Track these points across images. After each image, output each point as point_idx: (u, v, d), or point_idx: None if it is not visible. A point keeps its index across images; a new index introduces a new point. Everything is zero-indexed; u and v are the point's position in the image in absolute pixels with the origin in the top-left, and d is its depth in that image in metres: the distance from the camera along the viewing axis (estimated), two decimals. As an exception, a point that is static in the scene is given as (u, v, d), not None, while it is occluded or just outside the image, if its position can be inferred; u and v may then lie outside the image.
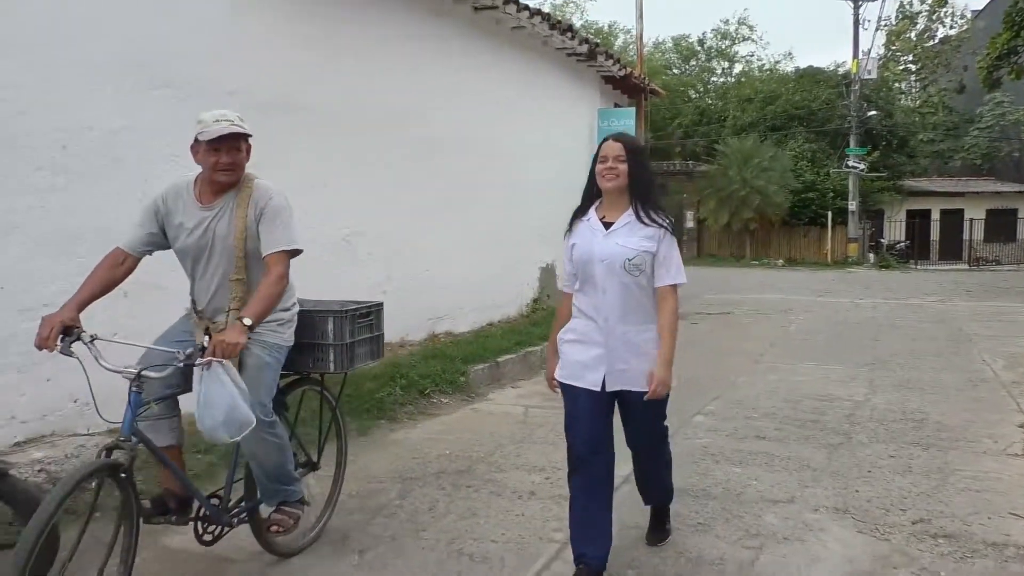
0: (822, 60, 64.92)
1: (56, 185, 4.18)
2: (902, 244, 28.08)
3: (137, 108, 4.62)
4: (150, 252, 3.06)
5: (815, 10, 67.90)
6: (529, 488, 4.28)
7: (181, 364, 2.64)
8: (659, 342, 3.02)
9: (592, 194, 3.12)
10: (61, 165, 4.20)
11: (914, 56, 34.02)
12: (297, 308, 3.20)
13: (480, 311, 8.71)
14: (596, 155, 3.07)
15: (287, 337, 3.11)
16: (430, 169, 7.62)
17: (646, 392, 2.97)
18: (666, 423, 3.34)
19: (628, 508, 3.98)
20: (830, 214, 27.12)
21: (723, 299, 14.65)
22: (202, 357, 2.59)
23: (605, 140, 3.10)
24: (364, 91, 6.65)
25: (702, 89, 40.83)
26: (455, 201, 8.04)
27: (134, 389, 2.62)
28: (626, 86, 12.49)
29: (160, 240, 3.04)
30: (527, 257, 9.71)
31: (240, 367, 2.89)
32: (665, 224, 3.03)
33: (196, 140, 2.93)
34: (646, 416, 3.17)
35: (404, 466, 4.63)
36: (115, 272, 2.96)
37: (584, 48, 10.28)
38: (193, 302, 3.11)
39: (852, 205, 26.61)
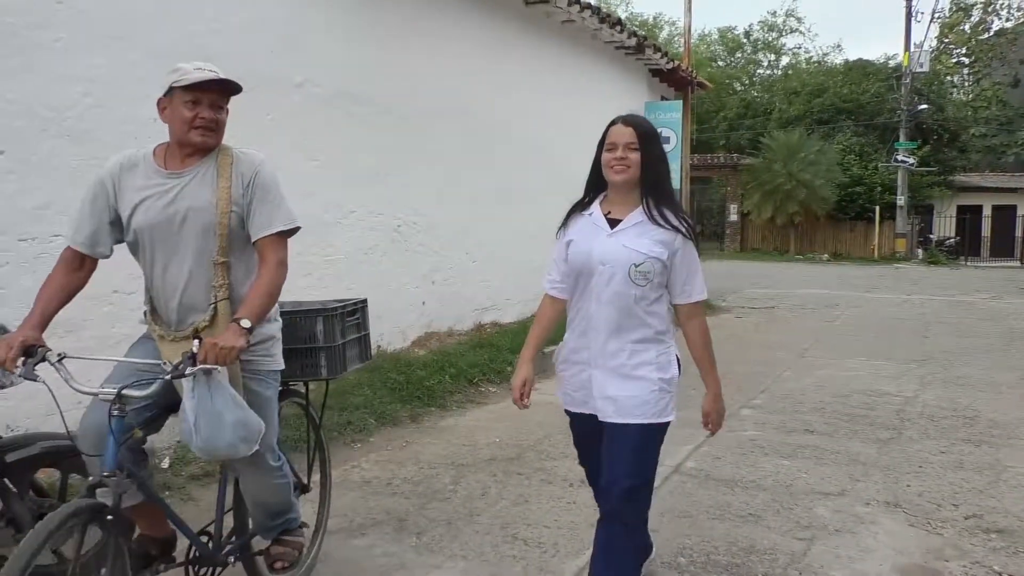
0: (872, 53, 63.53)
1: (129, 175, 4.36)
2: (952, 240, 27.50)
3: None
4: (104, 251, 2.45)
5: (865, 2, 66.43)
6: (579, 476, 4.32)
7: (168, 376, 2.16)
8: (670, 368, 2.58)
9: (597, 185, 2.67)
10: (135, 156, 4.37)
11: (968, 49, 33.14)
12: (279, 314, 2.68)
13: (525, 303, 8.79)
14: (602, 140, 2.59)
15: (279, 358, 2.60)
16: (480, 162, 7.72)
17: (631, 427, 2.49)
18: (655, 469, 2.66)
19: (677, 496, 4.06)
20: (878, 209, 26.63)
21: (767, 293, 14.55)
22: (192, 365, 2.13)
23: (613, 123, 2.58)
24: (419, 84, 6.76)
25: (747, 81, 40.31)
26: (503, 193, 8.13)
27: (115, 413, 2.15)
28: (673, 79, 12.45)
29: (113, 230, 2.45)
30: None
31: None
32: (683, 227, 2.52)
33: (167, 93, 2.35)
34: (632, 456, 2.53)
35: (455, 453, 4.75)
36: (73, 278, 2.42)
37: (632, 41, 10.28)
38: (152, 309, 2.47)
39: (901, 200, 26.10)
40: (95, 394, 2.19)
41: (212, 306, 2.39)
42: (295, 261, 5.56)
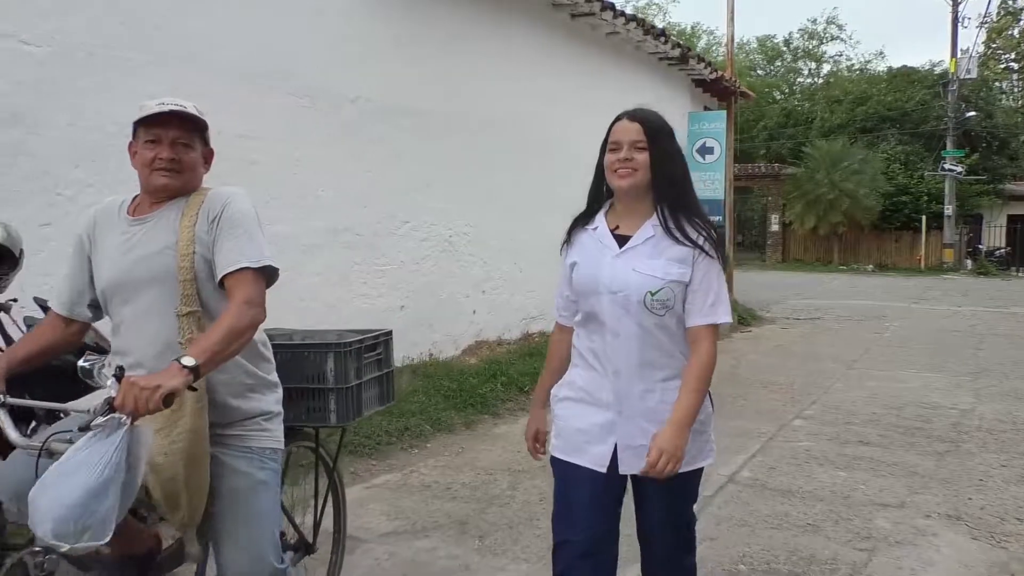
0: (917, 59, 62.68)
1: (197, 188, 4.51)
2: (1002, 250, 26.85)
3: (263, 114, 4.93)
4: (85, 312, 2.15)
5: (910, 8, 65.50)
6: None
7: (82, 425, 1.72)
8: (705, 409, 2.15)
9: (600, 194, 2.24)
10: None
11: (1017, 54, 32.49)
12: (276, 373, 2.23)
13: (571, 312, 8.86)
14: (605, 141, 2.17)
15: (279, 434, 2.16)
16: (526, 172, 7.80)
17: (677, 476, 2.02)
18: (695, 510, 2.33)
19: (733, 505, 4.07)
20: (924, 219, 26.15)
21: (811, 304, 14.38)
22: (107, 412, 1.69)
23: (617, 119, 2.15)
24: (467, 97, 6.87)
25: (788, 90, 39.94)
26: (549, 203, 8.15)
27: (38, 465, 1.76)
28: (716, 89, 12.42)
29: (92, 287, 2.14)
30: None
31: (215, 497, 2.01)
32: (703, 239, 2.07)
33: (135, 135, 2.07)
34: (670, 503, 2.20)
35: (511, 459, 4.80)
36: (59, 335, 2.15)
37: (676, 52, 10.31)
38: (119, 369, 1.90)
39: (948, 209, 25.60)
40: (22, 446, 1.86)
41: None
42: (350, 271, 5.78)
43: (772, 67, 41.57)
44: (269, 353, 2.19)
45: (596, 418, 2.14)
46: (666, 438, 1.96)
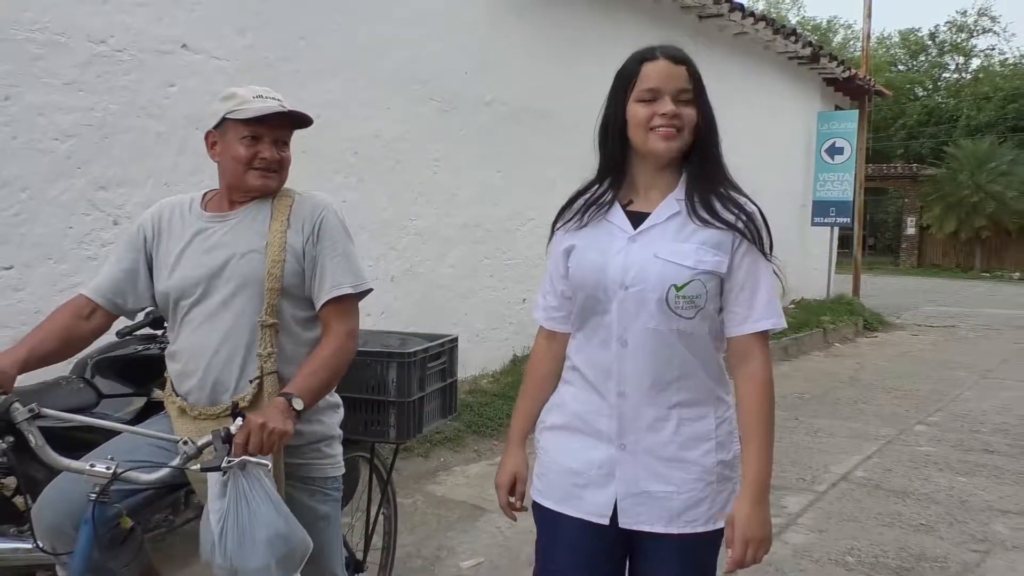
0: (1079, 51, 57.47)
1: (348, 185, 5.00)
2: None
3: (412, 118, 5.37)
4: (124, 305, 2.00)
5: (1073, -5, 60.15)
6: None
7: (186, 465, 1.64)
8: (732, 443, 1.62)
9: (613, 164, 1.70)
10: (353, 168, 5.02)
11: None
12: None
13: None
14: (625, 85, 1.66)
15: (339, 460, 2.03)
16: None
17: (677, 541, 1.58)
18: None
19: (844, 502, 4.16)
20: (1081, 224, 24.24)
21: (947, 312, 13.75)
22: (228, 453, 1.58)
23: (649, 59, 1.63)
24: (594, 100, 7.09)
25: (931, 86, 37.77)
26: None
27: (99, 499, 1.65)
28: (849, 88, 12.10)
29: (143, 283, 1.99)
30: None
31: None
32: (742, 219, 1.57)
33: (219, 124, 1.92)
34: (681, 574, 1.64)
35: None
36: (78, 325, 1.95)
37: (807, 51, 10.17)
38: (171, 380, 1.95)
39: (1109, 214, 23.62)
40: (81, 471, 1.65)
41: (256, 381, 1.85)
42: (479, 264, 6.19)
43: (915, 62, 39.38)
44: None
45: (593, 454, 1.62)
46: (747, 520, 1.50)
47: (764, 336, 1.58)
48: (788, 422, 5.83)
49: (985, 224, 23.98)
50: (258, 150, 1.88)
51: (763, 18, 9.02)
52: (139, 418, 2.74)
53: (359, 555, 2.63)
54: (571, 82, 6.82)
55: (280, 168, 1.93)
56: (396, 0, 5.19)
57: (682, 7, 8.10)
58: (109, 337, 3.00)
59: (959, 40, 37.85)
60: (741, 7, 8.44)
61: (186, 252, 1.92)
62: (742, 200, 1.61)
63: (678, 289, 1.52)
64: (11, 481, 2.36)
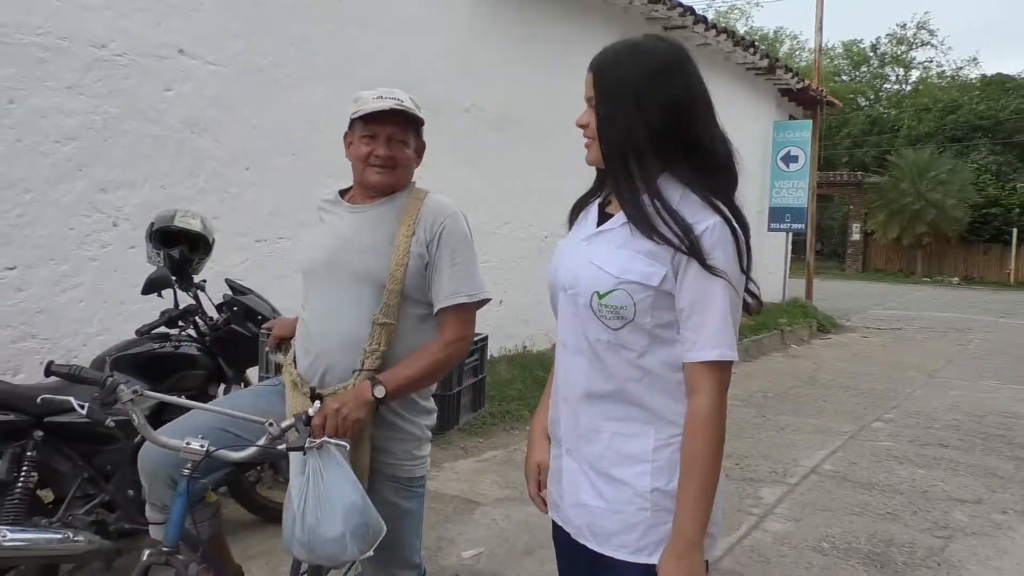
0: (1013, 67, 60.11)
1: (337, 187, 5.07)
2: (1098, 267, 25.83)
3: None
4: None
5: (1005, 14, 63.00)
6: (722, 470, 4.76)
7: (272, 445, 1.76)
8: (674, 473, 1.40)
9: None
10: (342, 172, 5.08)
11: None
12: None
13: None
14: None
15: (426, 461, 2.06)
16: (618, 178, 8.21)
17: (612, 563, 1.46)
18: None
19: (816, 493, 4.40)
20: (1015, 231, 25.35)
21: (893, 315, 14.33)
22: (310, 434, 1.72)
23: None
24: (567, 108, 7.29)
25: (873, 96, 39.11)
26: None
27: (191, 475, 1.80)
28: (802, 98, 12.57)
29: None
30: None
31: None
32: (678, 233, 1.36)
33: (350, 126, 2.05)
34: None
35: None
36: None
37: (764, 63, 10.55)
38: (314, 391, 1.94)
39: (1041, 222, 24.79)
40: (177, 448, 1.80)
41: (357, 373, 1.90)
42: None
43: (857, 72, 40.74)
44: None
45: (556, 462, 1.59)
46: (668, 570, 1.35)
47: (713, 367, 1.36)
48: (755, 419, 6.09)
49: (926, 231, 24.95)
50: (373, 148, 1.97)
51: (724, 30, 9.35)
52: (153, 415, 2.83)
53: None
54: (547, 90, 7.01)
55: (395, 165, 2.00)
56: (382, 9, 5.31)
57: (648, 18, 8.36)
58: (128, 335, 3.08)
59: (899, 52, 39.29)
60: (704, 19, 8.75)
61: (326, 234, 2.03)
62: (695, 211, 1.38)
63: (600, 297, 1.41)
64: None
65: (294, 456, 1.70)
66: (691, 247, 1.35)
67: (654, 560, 1.40)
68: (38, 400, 1.98)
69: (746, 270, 1.40)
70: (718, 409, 1.36)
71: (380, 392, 1.79)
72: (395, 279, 1.91)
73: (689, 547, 1.34)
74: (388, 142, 1.98)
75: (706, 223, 1.36)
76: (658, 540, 1.42)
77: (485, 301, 2.00)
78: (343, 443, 1.70)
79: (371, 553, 1.73)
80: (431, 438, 2.08)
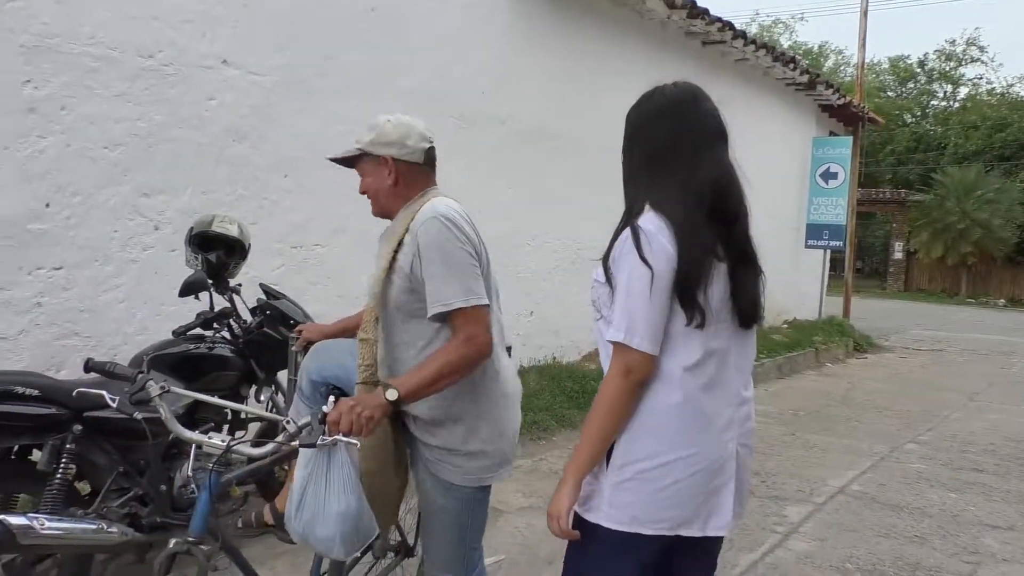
0: (1064, 83, 58.44)
1: (370, 197, 5.18)
2: None
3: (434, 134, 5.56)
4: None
5: (1059, 28, 61.32)
6: (747, 487, 4.74)
7: (288, 442, 1.88)
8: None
9: None
10: (375, 181, 5.19)
11: None
12: (506, 415, 2.10)
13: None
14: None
15: (464, 471, 2.04)
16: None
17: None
18: None
19: (843, 513, 4.35)
20: (1065, 253, 24.72)
21: (934, 336, 14.05)
22: (324, 432, 1.78)
23: None
24: (603, 121, 7.31)
25: (919, 113, 38.42)
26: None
27: (215, 468, 1.90)
28: (843, 114, 12.43)
29: None
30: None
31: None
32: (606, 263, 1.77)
33: None
34: None
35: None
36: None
37: (804, 78, 10.47)
38: (336, 390, 2.35)
39: (1092, 244, 24.12)
40: (200, 441, 1.92)
41: (357, 386, 2.08)
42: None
43: (904, 89, 40.07)
44: (474, 388, 2.02)
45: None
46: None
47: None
48: (785, 436, 6.04)
49: (971, 250, 24.43)
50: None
51: (763, 45, 9.30)
52: (187, 414, 2.93)
53: (410, 539, 2.77)
54: (581, 103, 7.05)
55: (370, 197, 2.15)
56: (419, 22, 5.41)
57: (687, 33, 8.36)
58: (165, 335, 3.19)
59: (948, 69, 38.55)
60: (743, 34, 8.72)
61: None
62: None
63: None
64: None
65: (302, 452, 1.79)
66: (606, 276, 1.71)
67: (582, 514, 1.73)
68: (73, 393, 2.08)
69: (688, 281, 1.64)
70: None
71: (392, 395, 1.83)
72: (375, 295, 2.02)
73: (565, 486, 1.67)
74: (363, 179, 2.16)
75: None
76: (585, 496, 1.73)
77: (480, 307, 1.94)
78: (353, 441, 1.76)
79: (358, 555, 1.92)
80: (467, 452, 2.04)
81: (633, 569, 1.69)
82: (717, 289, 1.67)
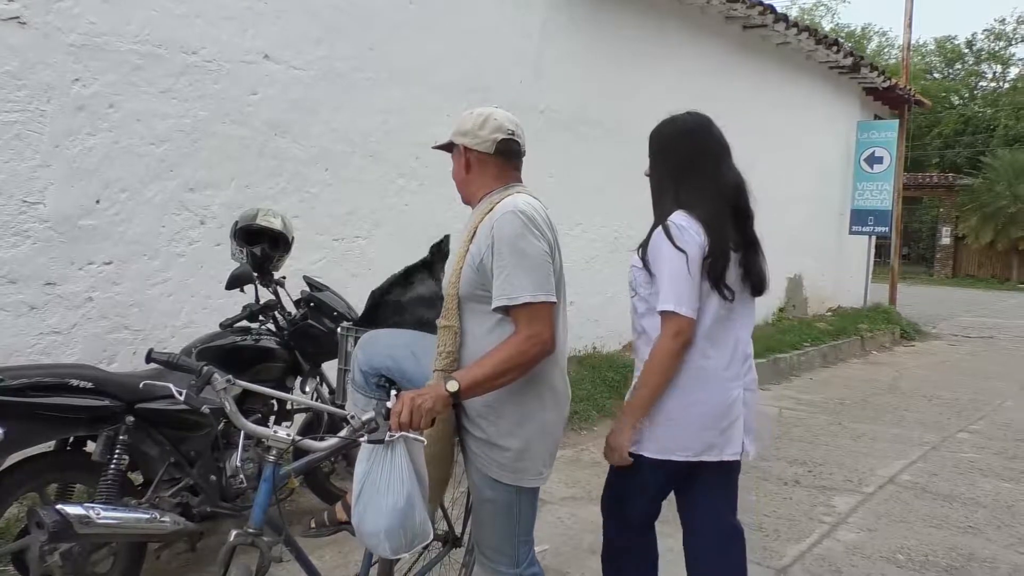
0: (1121, 60, 56.31)
1: (409, 188, 5.20)
2: None
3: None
4: None
5: (1115, 3, 59.03)
6: (793, 477, 4.67)
7: (353, 437, 1.86)
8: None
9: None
10: (415, 172, 5.21)
11: None
12: (550, 417, 2.08)
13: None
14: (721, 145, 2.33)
15: (506, 469, 2.04)
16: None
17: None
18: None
19: (892, 503, 4.27)
20: (1122, 237, 23.87)
21: (984, 322, 13.69)
22: (389, 427, 1.80)
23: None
24: (641, 108, 7.26)
25: (967, 95, 37.37)
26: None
27: (275, 460, 1.91)
28: (888, 97, 12.14)
29: None
30: (774, 268, 9.86)
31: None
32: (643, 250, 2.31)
33: None
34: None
35: (674, 446, 5.18)
36: None
37: (848, 61, 10.23)
38: (394, 385, 2.34)
39: None
40: (265, 436, 1.91)
41: (435, 374, 2.06)
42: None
43: (951, 70, 39.00)
44: (522, 385, 1.99)
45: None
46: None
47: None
48: (831, 426, 5.94)
49: (1022, 235, 23.71)
50: None
51: (805, 28, 9.12)
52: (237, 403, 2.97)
53: (457, 530, 2.77)
54: (620, 91, 6.99)
55: (456, 183, 2.22)
56: (458, 13, 5.40)
57: (727, 18, 8.23)
58: (212, 328, 3.24)
59: (997, 48, 37.41)
60: (785, 17, 8.55)
61: None
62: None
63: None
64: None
65: (364, 446, 1.82)
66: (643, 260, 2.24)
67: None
68: (140, 385, 2.13)
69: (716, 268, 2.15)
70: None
71: (453, 386, 1.84)
72: (451, 283, 2.05)
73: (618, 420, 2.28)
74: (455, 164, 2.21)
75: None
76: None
77: (546, 304, 1.94)
78: (420, 438, 1.77)
79: (406, 555, 1.84)
80: (510, 449, 2.03)
81: (662, 483, 2.31)
82: (734, 271, 2.19)
